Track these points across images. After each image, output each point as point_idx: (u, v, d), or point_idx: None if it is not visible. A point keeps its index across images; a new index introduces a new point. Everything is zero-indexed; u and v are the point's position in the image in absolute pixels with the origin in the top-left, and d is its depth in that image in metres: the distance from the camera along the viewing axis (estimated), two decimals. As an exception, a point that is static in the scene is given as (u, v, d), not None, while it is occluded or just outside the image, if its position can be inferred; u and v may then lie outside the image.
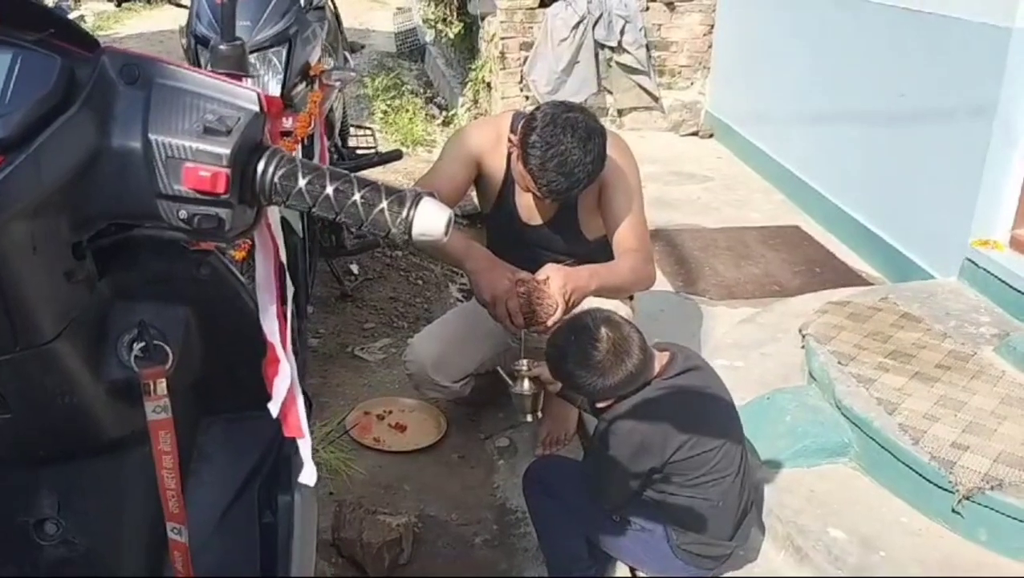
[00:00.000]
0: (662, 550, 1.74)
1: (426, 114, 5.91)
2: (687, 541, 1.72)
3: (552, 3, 5.10)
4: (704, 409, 1.73)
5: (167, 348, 0.83)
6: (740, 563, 1.83)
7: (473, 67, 5.73)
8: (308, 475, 0.88)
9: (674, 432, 1.65)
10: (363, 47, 4.85)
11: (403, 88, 6.48)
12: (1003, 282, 2.61)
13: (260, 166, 0.73)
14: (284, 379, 0.86)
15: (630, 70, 5.19)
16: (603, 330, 1.66)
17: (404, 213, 0.73)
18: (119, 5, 3.36)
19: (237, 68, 0.81)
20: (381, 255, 3.68)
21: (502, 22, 5.16)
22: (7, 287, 0.69)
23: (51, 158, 0.69)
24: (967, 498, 1.81)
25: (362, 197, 0.74)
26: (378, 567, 1.92)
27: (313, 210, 0.74)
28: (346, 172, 0.75)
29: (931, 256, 3.00)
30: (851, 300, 2.69)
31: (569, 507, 1.79)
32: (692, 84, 5.42)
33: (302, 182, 0.73)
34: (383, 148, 4.03)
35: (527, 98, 5.22)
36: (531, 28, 5.18)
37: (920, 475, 1.91)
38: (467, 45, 6.27)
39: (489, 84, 5.47)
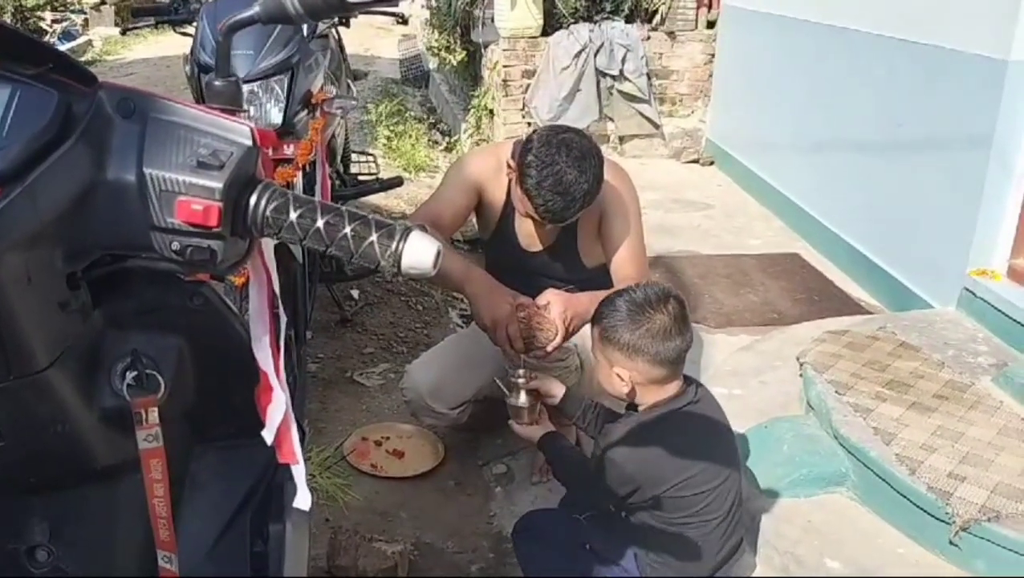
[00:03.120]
0: (632, 569, 1.73)
1: (429, 140, 5.96)
2: (652, 560, 1.70)
3: (555, 32, 5.16)
4: (705, 451, 1.69)
5: (159, 377, 0.83)
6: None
7: (476, 94, 5.78)
8: (303, 500, 0.89)
9: (668, 471, 1.63)
10: (366, 75, 4.90)
11: (407, 114, 6.53)
12: (1001, 312, 2.61)
13: (252, 199, 0.74)
14: (278, 407, 0.87)
15: (631, 98, 5.24)
16: (674, 304, 1.67)
17: (393, 246, 0.75)
18: (124, 33, 3.39)
19: (231, 103, 0.83)
20: (381, 281, 3.69)
21: (505, 50, 5.22)
22: (2, 316, 0.70)
23: (47, 191, 0.70)
24: (964, 529, 1.80)
25: (352, 230, 0.75)
26: (373, 595, 1.92)
27: (304, 242, 0.75)
28: (337, 206, 0.76)
29: (929, 285, 3.01)
30: (849, 329, 2.69)
31: (557, 550, 1.80)
32: (693, 112, 5.47)
33: (293, 215, 0.74)
34: (385, 174, 4.06)
35: (529, 124, 5.26)
36: (533, 56, 5.23)
37: (917, 506, 1.90)
38: (470, 72, 6.33)
39: (492, 111, 5.51)
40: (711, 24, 5.32)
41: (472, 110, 5.77)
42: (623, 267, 2.17)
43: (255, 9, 0.79)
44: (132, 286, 0.84)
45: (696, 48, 5.35)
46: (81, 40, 10.68)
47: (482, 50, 5.78)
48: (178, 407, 0.92)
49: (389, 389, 2.87)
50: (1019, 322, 2.54)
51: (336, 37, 3.32)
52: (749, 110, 4.86)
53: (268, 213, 0.74)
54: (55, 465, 0.86)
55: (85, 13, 12.06)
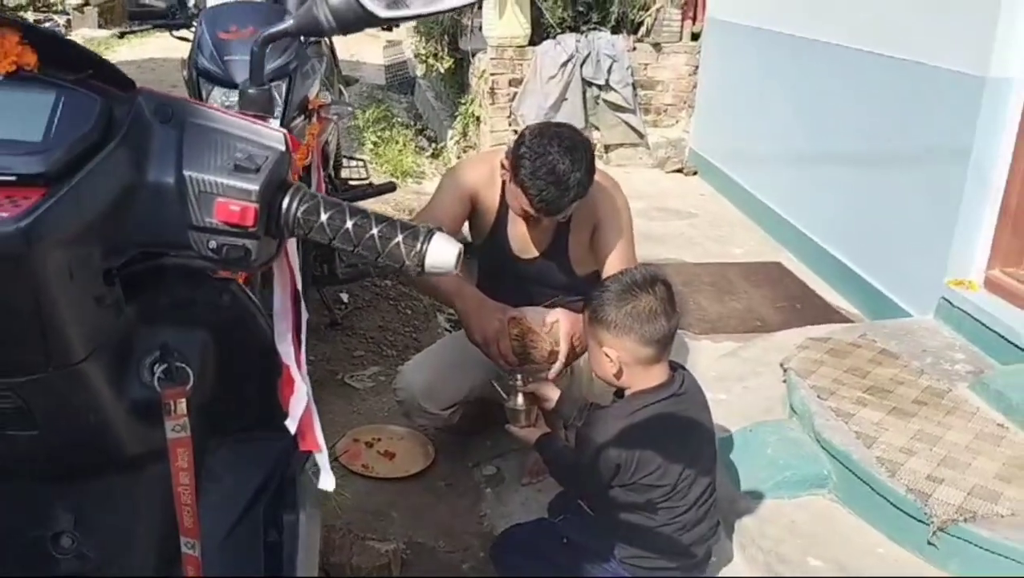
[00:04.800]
0: (612, 567, 1.79)
1: (416, 146, 6.00)
2: (628, 555, 1.78)
3: (542, 42, 5.23)
4: (681, 442, 1.76)
5: (188, 369, 0.87)
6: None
7: (463, 101, 5.84)
8: (327, 482, 0.94)
9: (646, 459, 1.70)
10: (357, 81, 4.93)
11: (393, 120, 6.57)
12: (977, 321, 2.69)
13: (285, 201, 0.79)
14: (300, 398, 0.91)
15: (616, 108, 5.31)
16: (661, 287, 1.72)
17: (418, 247, 0.79)
18: (122, 36, 3.37)
19: (264, 110, 0.87)
20: (371, 285, 3.72)
21: (492, 59, 5.27)
22: (44, 310, 0.74)
23: (90, 191, 0.74)
24: (942, 530, 1.87)
25: (379, 232, 0.79)
26: (367, 592, 1.95)
27: (333, 243, 0.79)
28: (364, 208, 0.80)
29: (908, 295, 3.08)
30: (831, 336, 2.76)
31: (538, 554, 1.86)
32: (677, 122, 5.55)
33: (324, 217, 0.79)
34: (375, 179, 4.10)
35: (515, 132, 5.29)
36: (521, 65, 5.29)
37: (896, 507, 1.97)
38: (457, 80, 6.39)
39: (479, 118, 5.57)
40: (695, 36, 5.40)
41: (459, 117, 5.82)
42: None
43: (289, 23, 0.83)
44: (164, 283, 0.88)
45: (681, 60, 5.43)
46: (63, 41, 10.63)
47: (470, 58, 5.84)
48: (198, 400, 0.95)
49: (379, 391, 2.90)
50: (995, 331, 2.62)
51: (328, 44, 3.36)
52: (732, 121, 4.94)
53: (299, 214, 0.79)
54: (84, 454, 0.89)
55: (68, 14, 12.01)
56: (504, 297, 2.21)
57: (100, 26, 12.06)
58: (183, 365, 0.87)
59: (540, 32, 5.26)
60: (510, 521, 2.18)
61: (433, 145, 6.07)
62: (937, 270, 2.89)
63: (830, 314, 3.36)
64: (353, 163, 4.24)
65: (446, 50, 6.45)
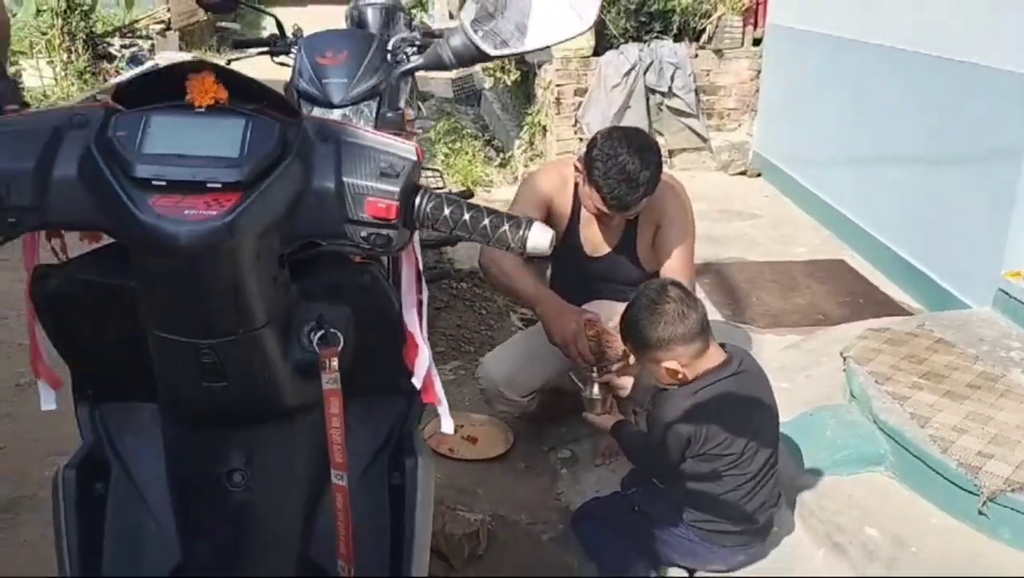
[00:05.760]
0: (681, 531, 1.98)
1: (484, 156, 6.24)
2: (695, 519, 1.96)
3: (605, 52, 5.42)
4: (745, 414, 1.94)
5: (339, 335, 1.10)
6: (767, 549, 2.06)
7: (529, 112, 6.06)
8: (447, 426, 1.16)
9: (713, 432, 1.88)
10: (432, 96, 5.19)
11: (463, 132, 6.83)
12: (1033, 310, 2.79)
13: (417, 199, 1.01)
14: (423, 360, 1.13)
15: (680, 113, 5.47)
16: (672, 289, 1.92)
17: (520, 233, 1.00)
18: (228, 63, 3.55)
19: (398, 129, 1.08)
20: (448, 287, 3.96)
21: (557, 70, 5.49)
22: (240, 285, 0.97)
23: (273, 195, 0.97)
24: (991, 500, 2.00)
25: (489, 221, 1.01)
26: (458, 555, 2.17)
27: (454, 232, 1.01)
28: (476, 203, 1.02)
29: (967, 287, 3.19)
30: (890, 327, 2.89)
31: (612, 523, 2.05)
32: (740, 126, 5.67)
33: (447, 211, 1.01)
34: (450, 188, 4.34)
35: (580, 140, 5.51)
36: (585, 75, 5.49)
37: (949, 480, 2.10)
38: (523, 91, 6.61)
39: (545, 127, 5.78)
40: (757, 42, 5.53)
41: (526, 127, 6.05)
42: (673, 275, 2.38)
43: (419, 60, 1.04)
44: (319, 267, 1.11)
45: (743, 65, 5.56)
46: (148, 64, 11.23)
47: (535, 70, 6.06)
48: (338, 365, 1.18)
49: (460, 383, 3.13)
50: (1050, 320, 2.71)
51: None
52: (795, 123, 5.05)
53: (428, 209, 1.00)
54: (256, 405, 1.12)
55: (151, 39, 12.65)
56: (575, 293, 2.42)
57: (181, 49, 12.69)
58: (335, 331, 1.09)
59: (603, 43, 5.46)
60: (584, 498, 2.37)
61: (500, 155, 6.31)
62: (994, 263, 2.99)
63: (892, 308, 3.46)
64: (428, 173, 4.50)
65: (513, 63, 6.68)
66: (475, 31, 0.98)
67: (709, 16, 5.46)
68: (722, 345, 1.98)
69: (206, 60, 1.03)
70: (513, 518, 2.42)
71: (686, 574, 2.05)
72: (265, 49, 2.97)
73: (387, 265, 1.35)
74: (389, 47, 2.61)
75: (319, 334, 1.09)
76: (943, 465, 2.11)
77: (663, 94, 5.42)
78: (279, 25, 2.97)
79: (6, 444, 2.82)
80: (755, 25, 5.55)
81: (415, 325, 1.12)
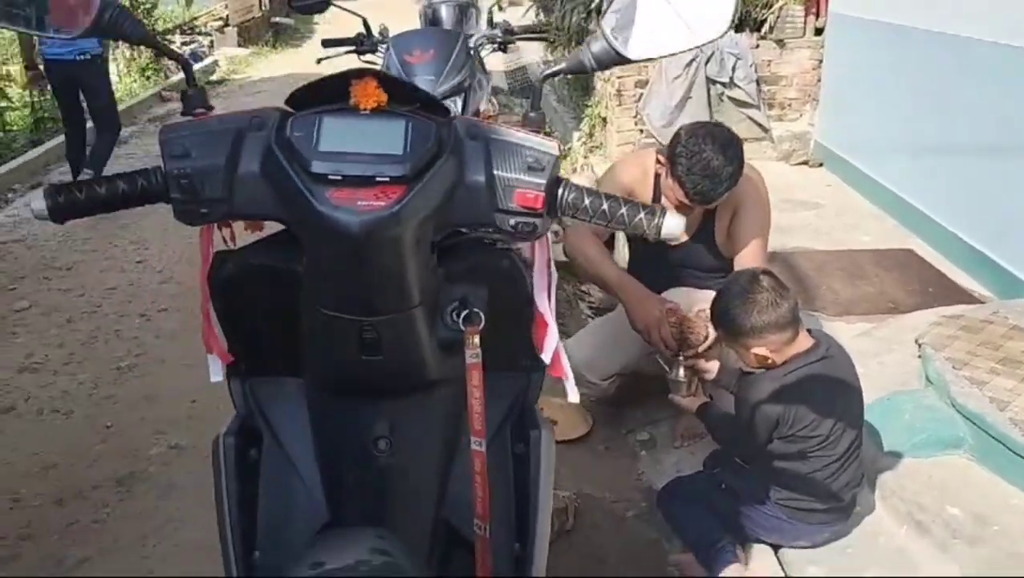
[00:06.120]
0: (768, 509, 2.05)
1: (543, 148, 6.32)
2: (783, 497, 2.03)
3: (667, 43, 5.46)
4: (832, 397, 2.01)
5: (481, 314, 1.21)
6: (850, 528, 2.14)
7: (588, 104, 6.13)
8: (573, 396, 1.26)
9: (802, 414, 1.96)
10: (503, 90, 5.28)
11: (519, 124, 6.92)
12: (1111, 298, 2.80)
13: (560, 191, 1.11)
14: (552, 338, 1.23)
15: (741, 104, 5.49)
16: (765, 278, 1.99)
17: (656, 220, 1.10)
18: (319, 62, 3.53)
19: (540, 127, 1.18)
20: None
21: (619, 62, 5.53)
22: (401, 268, 1.08)
23: (432, 188, 1.07)
24: (1073, 481, 2.05)
25: (626, 210, 1.10)
26: (549, 530, 2.28)
27: (593, 220, 1.11)
28: (612, 194, 1.12)
29: (1039, 275, 3.20)
30: (963, 314, 2.92)
31: (698, 499, 2.13)
32: (801, 116, 5.68)
33: (587, 201, 1.11)
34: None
35: (641, 132, 5.58)
36: (646, 67, 5.53)
37: (1030, 462, 2.15)
38: (581, 83, 6.69)
39: (605, 119, 5.85)
40: (819, 31, 5.53)
41: (585, 119, 6.12)
42: (746, 263, 2.45)
43: (562, 64, 1.14)
44: (463, 252, 1.22)
45: (804, 55, 5.57)
46: (208, 61, 11.53)
47: (595, 62, 6.12)
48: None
49: (537, 369, 3.24)
50: None
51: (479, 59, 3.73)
52: (858, 113, 5.05)
53: (570, 199, 1.11)
54: (404, 377, 1.24)
55: (211, 35, 12.97)
56: (654, 280, 2.51)
57: (239, 45, 13.00)
58: (477, 311, 1.20)
59: (665, 34, 5.49)
60: (665, 479, 2.45)
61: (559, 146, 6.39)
62: (1068, 250, 3.00)
63: (962, 296, 3.48)
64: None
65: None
66: (615, 38, 1.08)
67: (771, 6, 5.47)
68: (808, 331, 2.05)
69: (368, 68, 1.14)
70: (597, 496, 2.53)
71: (771, 550, 2.13)
72: (354, 48, 3.10)
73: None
74: (471, 44, 2.72)
75: (464, 313, 1.20)
76: (1024, 447, 2.16)
77: (724, 85, 5.44)
78: (366, 25, 3.10)
79: (113, 423, 3.01)
80: (817, 15, 5.54)
81: (545, 305, 1.23)
